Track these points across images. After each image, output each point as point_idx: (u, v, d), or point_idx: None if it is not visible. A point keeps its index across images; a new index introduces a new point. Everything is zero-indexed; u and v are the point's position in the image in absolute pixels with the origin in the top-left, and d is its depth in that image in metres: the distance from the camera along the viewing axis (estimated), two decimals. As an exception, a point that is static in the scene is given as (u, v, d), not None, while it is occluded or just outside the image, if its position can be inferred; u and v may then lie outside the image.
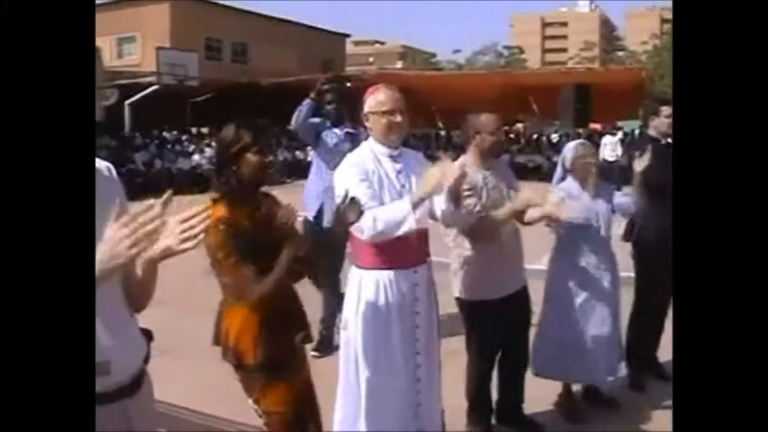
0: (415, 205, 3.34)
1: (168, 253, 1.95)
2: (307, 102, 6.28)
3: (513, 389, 4.59)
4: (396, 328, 3.56)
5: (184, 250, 1.90)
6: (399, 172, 3.60)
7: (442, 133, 31.35)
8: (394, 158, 3.62)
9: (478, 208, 4.06)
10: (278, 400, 3.04)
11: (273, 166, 3.13)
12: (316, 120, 6.35)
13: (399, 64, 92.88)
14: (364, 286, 3.55)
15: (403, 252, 3.52)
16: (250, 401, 3.14)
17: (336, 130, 6.34)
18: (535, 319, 4.65)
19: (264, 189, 3.19)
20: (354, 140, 6.21)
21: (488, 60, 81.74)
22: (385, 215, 3.36)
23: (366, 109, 3.64)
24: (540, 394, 4.75)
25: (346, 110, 6.36)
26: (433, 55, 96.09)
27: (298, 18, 46.71)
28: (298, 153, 27.87)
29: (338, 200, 3.48)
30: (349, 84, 6.44)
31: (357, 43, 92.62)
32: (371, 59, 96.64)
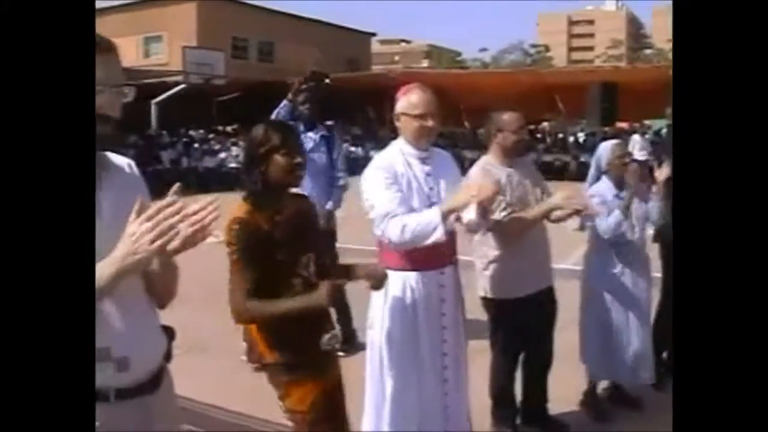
0: (445, 217, 3.33)
1: (181, 247, 1.91)
2: (284, 104, 6.00)
3: (537, 389, 4.58)
4: (423, 329, 3.55)
5: (195, 243, 1.88)
6: (428, 175, 3.58)
7: (468, 131, 31.26)
8: (423, 160, 3.60)
9: (503, 206, 4.04)
10: (302, 399, 2.99)
11: (301, 168, 3.03)
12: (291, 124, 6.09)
13: (425, 63, 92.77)
14: (390, 287, 3.50)
15: (430, 254, 3.49)
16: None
17: (310, 134, 6.05)
18: (561, 318, 4.63)
19: (295, 190, 3.15)
20: (330, 144, 6.12)
21: (514, 58, 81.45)
22: (414, 224, 3.34)
23: (398, 109, 3.60)
24: (564, 394, 4.74)
25: (319, 111, 6.11)
26: (459, 54, 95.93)
27: (324, 17, 46.81)
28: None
29: (366, 204, 3.50)
30: (327, 81, 6.16)
31: (383, 42, 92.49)
32: (397, 58, 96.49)
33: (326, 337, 3.06)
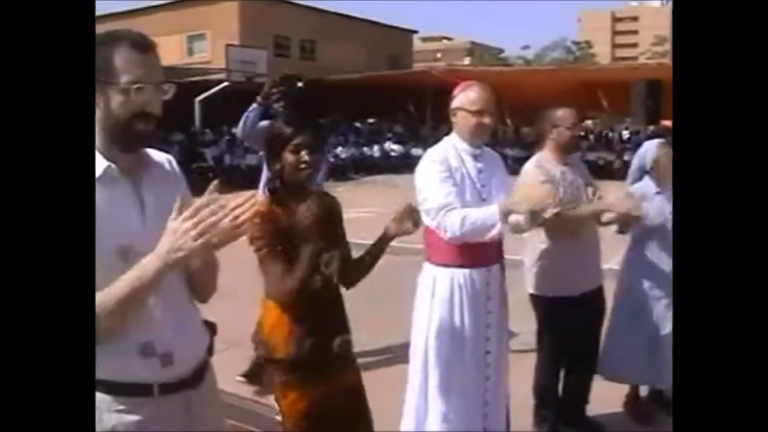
0: (504, 216, 3.35)
1: (221, 241, 1.93)
2: (254, 106, 5.64)
3: (579, 390, 4.54)
4: (469, 326, 3.56)
5: (235, 238, 1.89)
6: (480, 171, 3.60)
7: (510, 129, 31.08)
8: (475, 157, 3.62)
9: (555, 202, 4.00)
10: (297, 401, 2.94)
11: (310, 165, 2.98)
12: (265, 123, 5.51)
13: (466, 61, 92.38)
14: (438, 283, 3.54)
15: (480, 250, 3.52)
16: (272, 399, 3.05)
17: None
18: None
19: (318, 187, 3.12)
20: None
21: (557, 56, 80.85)
22: (474, 218, 3.36)
23: (455, 104, 3.62)
24: (604, 395, 4.69)
25: (298, 111, 5.77)
26: (501, 51, 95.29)
27: (366, 15, 46.87)
28: (365, 149, 27.98)
29: (419, 196, 3.51)
30: (300, 84, 5.89)
31: (425, 40, 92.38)
32: (439, 55, 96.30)
33: (339, 339, 3.02)
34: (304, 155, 2.91)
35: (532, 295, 4.34)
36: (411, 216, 3.08)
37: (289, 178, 2.95)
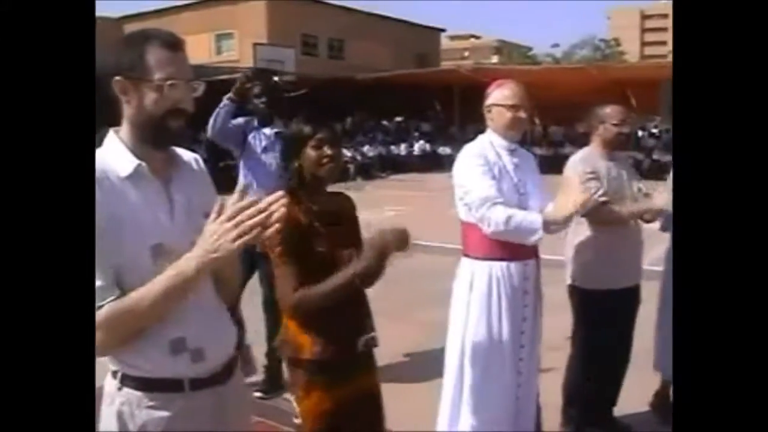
0: (547, 225, 3.44)
1: (250, 241, 1.96)
2: (225, 103, 5.23)
3: (610, 389, 4.51)
4: (506, 320, 3.59)
5: (263, 239, 1.92)
6: (516, 167, 3.67)
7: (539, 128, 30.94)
8: (511, 152, 3.70)
9: (599, 193, 3.99)
10: (322, 403, 2.89)
11: (332, 160, 2.93)
12: (241, 120, 5.35)
13: (495, 59, 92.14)
14: (476, 277, 3.61)
15: (519, 244, 3.55)
16: (292, 399, 3.00)
17: (265, 131, 5.34)
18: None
19: (355, 186, 3.09)
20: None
21: (585, 54, 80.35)
22: (519, 219, 3.43)
23: (490, 101, 3.71)
24: (633, 395, 4.66)
25: (276, 107, 5.52)
26: (530, 49, 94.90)
27: (393, 13, 46.90)
28: (392, 148, 28.01)
29: (459, 190, 3.57)
30: (276, 79, 5.63)
31: (452, 38, 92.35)
32: (466, 54, 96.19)
33: (364, 337, 2.99)
34: (327, 150, 2.91)
35: (569, 286, 4.37)
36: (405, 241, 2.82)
37: (310, 174, 2.94)
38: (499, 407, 3.62)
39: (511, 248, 3.56)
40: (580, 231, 4.25)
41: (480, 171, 3.54)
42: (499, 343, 3.59)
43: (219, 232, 1.84)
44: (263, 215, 1.84)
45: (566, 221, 3.54)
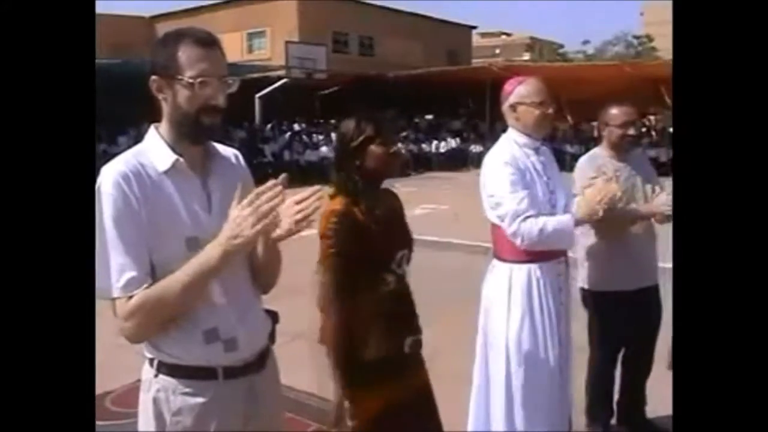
0: (578, 225, 3.45)
1: (284, 234, 2.07)
2: None
3: (635, 390, 4.47)
4: (547, 318, 3.54)
5: (297, 231, 1.99)
6: (543, 165, 3.60)
7: (569, 126, 30.71)
8: (536, 150, 3.61)
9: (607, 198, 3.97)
10: (373, 403, 2.85)
11: (398, 156, 2.93)
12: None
13: (526, 56, 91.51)
14: (515, 279, 3.53)
15: None
16: (345, 403, 2.87)
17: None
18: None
19: (386, 184, 3.04)
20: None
21: (618, 50, 79.51)
22: (551, 229, 3.40)
23: (513, 99, 3.58)
24: (666, 395, 4.60)
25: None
26: (561, 46, 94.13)
27: (424, 11, 46.74)
28: (424, 146, 28.00)
29: (490, 200, 3.51)
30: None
31: (483, 35, 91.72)
32: (498, 51, 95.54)
33: (410, 339, 2.97)
34: (393, 147, 2.93)
35: (582, 289, 4.30)
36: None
37: (374, 172, 2.90)
38: (547, 407, 3.57)
39: (548, 249, 3.52)
40: (590, 234, 4.19)
41: (510, 181, 3.43)
42: (545, 342, 3.54)
43: (239, 218, 1.89)
44: (278, 199, 1.88)
45: (590, 220, 3.52)
